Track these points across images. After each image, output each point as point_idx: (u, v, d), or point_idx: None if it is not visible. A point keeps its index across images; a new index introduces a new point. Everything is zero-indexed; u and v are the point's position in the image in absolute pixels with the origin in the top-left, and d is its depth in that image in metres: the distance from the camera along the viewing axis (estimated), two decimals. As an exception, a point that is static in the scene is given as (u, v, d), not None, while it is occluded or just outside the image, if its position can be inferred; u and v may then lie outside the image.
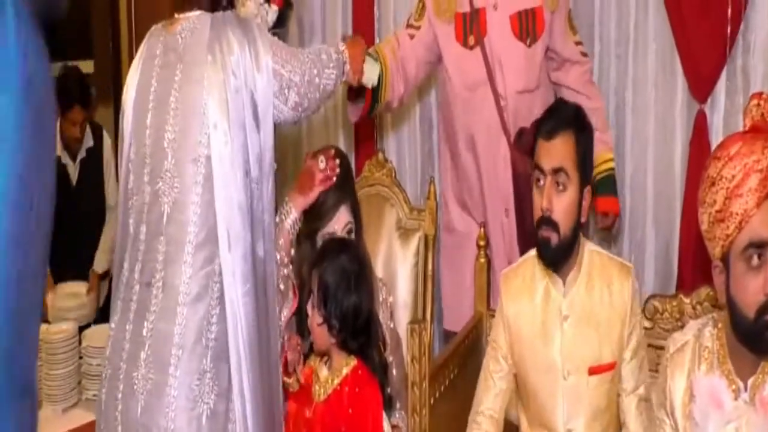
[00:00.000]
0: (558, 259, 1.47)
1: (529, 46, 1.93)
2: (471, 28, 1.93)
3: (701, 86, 2.00)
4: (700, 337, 1.30)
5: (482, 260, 1.85)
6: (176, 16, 1.43)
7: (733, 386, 1.23)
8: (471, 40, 1.93)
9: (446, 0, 1.98)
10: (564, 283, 1.49)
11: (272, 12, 1.66)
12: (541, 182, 1.45)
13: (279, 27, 1.79)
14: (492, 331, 1.63)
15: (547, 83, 2.00)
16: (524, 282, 1.55)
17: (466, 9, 1.94)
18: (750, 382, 1.22)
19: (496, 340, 1.59)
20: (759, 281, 1.16)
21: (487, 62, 1.91)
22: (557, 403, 1.48)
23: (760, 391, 1.21)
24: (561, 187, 1.43)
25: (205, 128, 1.30)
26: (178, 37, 1.39)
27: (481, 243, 1.85)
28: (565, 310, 1.49)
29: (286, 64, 1.39)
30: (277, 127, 1.39)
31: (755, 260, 1.16)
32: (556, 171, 1.44)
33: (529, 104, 1.93)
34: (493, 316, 1.68)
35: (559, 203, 1.43)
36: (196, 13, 1.41)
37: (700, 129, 2.01)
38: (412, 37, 2.01)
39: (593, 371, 1.46)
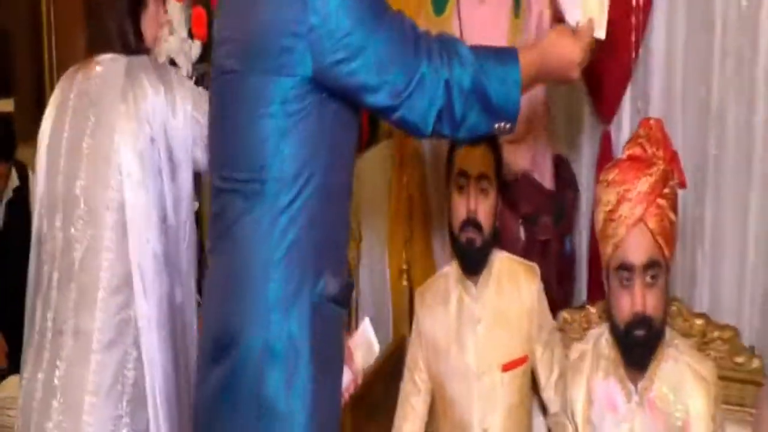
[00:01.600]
0: (480, 261, 1.56)
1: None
2: None
3: (606, 107, 2.13)
4: (597, 345, 1.41)
5: (404, 283, 1.93)
6: (91, 58, 1.43)
7: (626, 390, 1.34)
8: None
9: (440, 30, 2.02)
10: (476, 289, 1.59)
11: (195, 47, 1.70)
12: (465, 188, 1.54)
13: (203, 62, 1.81)
14: (408, 353, 1.70)
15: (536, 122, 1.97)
16: (438, 294, 1.64)
17: None
18: (639, 385, 1.34)
19: (413, 361, 1.66)
20: (629, 300, 1.29)
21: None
22: (473, 404, 1.55)
23: (648, 393, 1.33)
24: (484, 193, 1.54)
25: (118, 176, 1.32)
26: (92, 82, 1.40)
27: (404, 267, 1.94)
28: (477, 314, 1.58)
29: (207, 112, 1.32)
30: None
31: (625, 281, 1.30)
32: (481, 177, 1.54)
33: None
34: None
35: (483, 207, 1.53)
36: (110, 55, 1.41)
37: (605, 149, 2.14)
38: None
39: (506, 368, 1.55)
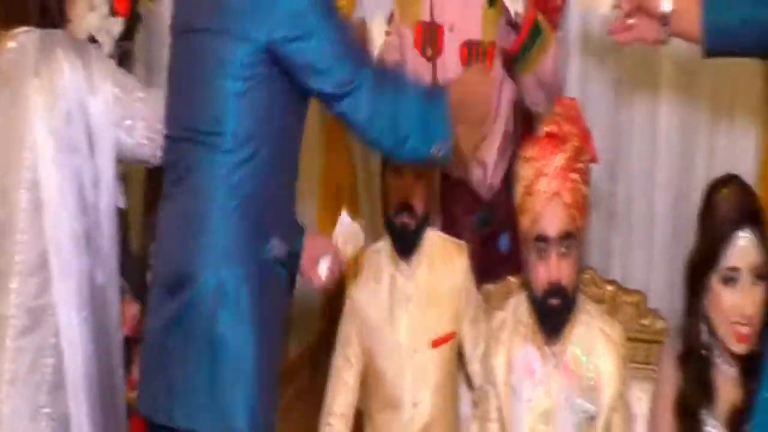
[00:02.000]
0: (413, 243, 1.62)
1: None
2: (429, 40, 1.93)
3: None
4: (516, 313, 1.50)
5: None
6: (5, 32, 1.38)
7: (542, 354, 1.44)
8: (428, 52, 1.93)
9: (410, 6, 1.98)
10: (409, 268, 1.64)
11: (117, 24, 1.64)
12: (401, 173, 1.58)
13: (126, 39, 1.75)
14: (341, 328, 1.74)
15: (506, 116, 1.96)
16: (370, 272, 1.68)
17: (427, 19, 1.95)
18: (555, 349, 1.44)
19: (346, 336, 1.70)
20: (545, 270, 1.38)
21: (435, 82, 1.91)
22: (404, 381, 1.62)
23: (563, 356, 1.43)
24: (418, 179, 1.59)
25: (31, 154, 1.28)
26: (3, 59, 1.35)
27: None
28: (410, 292, 1.63)
29: (131, 93, 1.37)
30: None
31: (542, 252, 1.38)
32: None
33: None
34: None
35: (417, 193, 1.59)
36: (24, 29, 1.37)
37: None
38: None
39: (435, 344, 1.62)
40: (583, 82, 2.13)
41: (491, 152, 1.90)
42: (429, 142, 1.26)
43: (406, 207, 1.59)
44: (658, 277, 2.11)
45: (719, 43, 1.27)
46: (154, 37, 2.43)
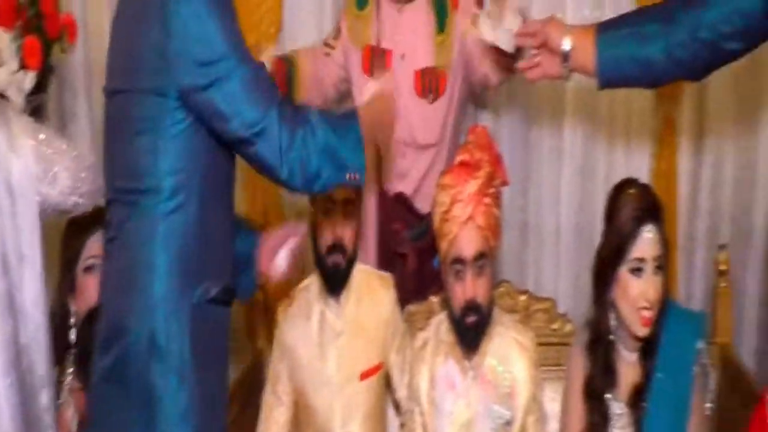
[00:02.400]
0: (344, 280, 1.67)
1: (431, 102, 1.95)
2: (377, 65, 1.95)
3: None
4: (438, 332, 1.60)
5: (262, 299, 1.99)
6: None
7: (462, 368, 1.54)
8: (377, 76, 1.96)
9: (359, 28, 2.00)
10: (337, 304, 1.69)
11: (29, 78, 1.60)
12: (331, 212, 1.63)
13: (39, 93, 1.70)
14: (271, 365, 1.76)
15: (453, 138, 2.02)
16: (300, 309, 1.72)
17: (375, 44, 1.97)
18: (473, 362, 1.54)
19: (275, 373, 1.73)
20: (461, 289, 1.49)
21: None
22: (335, 413, 1.66)
23: (480, 368, 1.54)
24: (349, 217, 1.64)
25: None
26: None
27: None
28: (339, 328, 1.68)
29: (51, 144, 1.34)
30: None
31: (459, 273, 1.49)
32: (347, 202, 1.64)
33: (432, 156, 1.98)
34: None
35: (348, 231, 1.64)
36: None
37: None
38: (327, 54, 2.01)
39: (363, 376, 1.67)
40: (495, 108, 2.27)
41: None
42: (342, 172, 1.29)
43: (337, 247, 1.63)
44: (566, 282, 2.29)
45: (611, 76, 1.42)
46: (67, 87, 2.38)
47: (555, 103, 2.24)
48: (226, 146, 1.29)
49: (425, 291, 1.85)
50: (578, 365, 1.53)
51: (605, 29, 1.41)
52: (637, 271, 1.42)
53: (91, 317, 1.47)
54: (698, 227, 2.26)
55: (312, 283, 1.73)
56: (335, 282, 1.67)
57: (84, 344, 1.46)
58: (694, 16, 1.29)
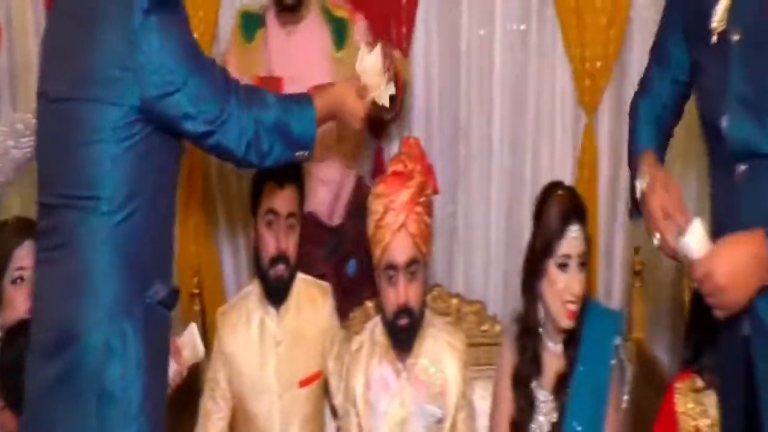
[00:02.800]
0: (286, 291, 1.71)
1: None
2: None
3: (376, 126, 2.24)
4: (373, 335, 1.65)
5: (196, 307, 2.00)
6: None
7: (396, 370, 1.60)
8: None
9: (247, 61, 2.01)
10: (278, 313, 1.72)
11: None
12: (274, 224, 1.67)
13: None
14: (209, 371, 1.77)
15: (357, 152, 2.07)
16: (240, 317, 1.73)
17: (265, 74, 1.98)
18: (407, 363, 1.61)
19: (214, 379, 1.74)
20: (394, 294, 1.55)
21: None
22: (274, 419, 1.69)
23: (413, 369, 1.61)
24: (292, 229, 1.69)
25: None
26: None
27: (195, 291, 1.99)
28: (279, 337, 1.71)
29: None
30: None
31: (392, 278, 1.55)
32: (290, 215, 1.68)
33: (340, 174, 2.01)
34: (209, 360, 1.81)
35: (291, 243, 1.68)
36: None
37: (378, 163, 2.29)
38: None
39: (303, 384, 1.71)
40: (427, 119, 2.35)
41: (345, 190, 2.02)
42: (292, 149, 1.37)
43: (281, 258, 1.67)
44: (495, 284, 2.39)
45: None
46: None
47: (483, 113, 2.34)
48: (175, 152, 1.33)
49: (342, 299, 1.88)
50: (507, 355, 1.62)
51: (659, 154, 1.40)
52: (563, 266, 1.52)
53: (17, 330, 1.43)
54: (617, 230, 2.41)
55: (252, 291, 1.75)
56: (278, 293, 1.70)
57: (9, 359, 1.41)
58: (666, 105, 1.39)
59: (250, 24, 2.04)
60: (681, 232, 1.16)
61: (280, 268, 1.68)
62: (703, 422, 1.55)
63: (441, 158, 2.31)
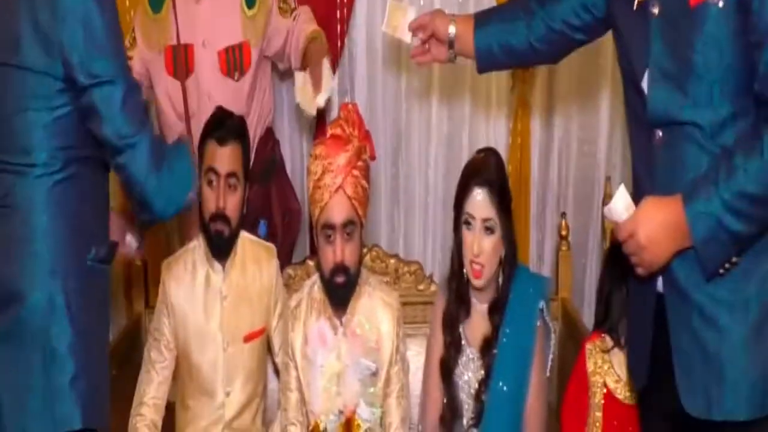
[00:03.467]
0: (228, 248, 1.73)
1: (237, 80, 2.00)
2: (180, 62, 1.95)
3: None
4: (311, 292, 1.71)
5: (138, 263, 2.02)
6: None
7: (333, 325, 1.67)
8: (180, 74, 1.96)
9: (156, 32, 1.99)
10: (223, 269, 1.75)
11: None
12: (214, 183, 1.68)
13: None
14: (154, 321, 1.79)
15: (260, 110, 2.08)
16: (186, 269, 1.76)
17: (174, 42, 1.97)
18: (343, 320, 1.68)
19: (159, 329, 1.76)
20: (331, 252, 1.60)
21: (186, 100, 1.96)
22: (218, 371, 1.74)
23: (350, 325, 1.68)
24: (232, 188, 1.70)
25: None
26: None
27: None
28: (224, 291, 1.74)
29: None
30: None
31: (330, 237, 1.60)
32: (230, 175, 1.69)
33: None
34: (151, 312, 1.85)
35: (231, 202, 1.70)
36: None
37: (320, 127, 2.29)
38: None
39: (247, 339, 1.75)
40: (370, 87, 2.39)
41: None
42: (185, 196, 1.40)
43: (220, 216, 1.69)
44: (433, 245, 2.49)
45: (486, 63, 1.62)
46: None
47: (423, 81, 2.39)
48: None
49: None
50: (440, 303, 1.71)
51: (481, 22, 1.59)
52: (467, 224, 1.60)
53: None
54: (548, 196, 2.53)
55: (198, 245, 1.78)
56: (219, 249, 1.74)
57: None
58: (549, 10, 1.49)
59: None
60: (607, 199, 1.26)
61: (220, 224, 1.70)
62: (610, 379, 1.69)
63: (383, 123, 2.36)
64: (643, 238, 1.17)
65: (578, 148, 2.52)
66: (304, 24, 2.09)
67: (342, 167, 1.60)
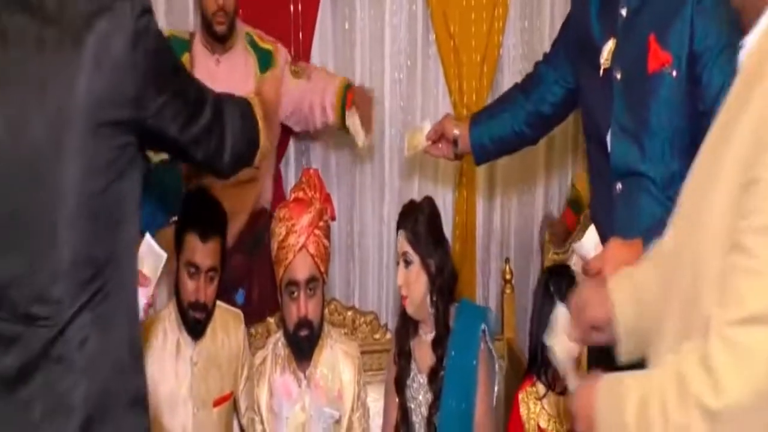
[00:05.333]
0: (204, 329, 1.78)
1: None
2: None
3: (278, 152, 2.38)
4: (275, 348, 1.81)
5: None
6: None
7: (297, 378, 1.77)
8: None
9: None
10: (193, 337, 1.79)
11: None
12: (195, 276, 1.73)
13: None
14: None
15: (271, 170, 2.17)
16: (156, 335, 1.80)
17: None
18: (307, 372, 1.78)
19: None
20: (295, 308, 1.72)
21: None
22: None
23: (313, 377, 1.78)
24: (211, 280, 1.75)
25: None
26: None
27: None
28: (194, 358, 1.79)
29: None
30: None
31: (294, 294, 1.72)
32: (210, 269, 1.73)
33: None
34: None
35: (209, 291, 1.75)
36: None
37: (277, 189, 2.38)
38: None
39: (216, 403, 1.80)
40: (325, 150, 2.55)
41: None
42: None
43: (199, 305, 1.74)
44: (388, 295, 2.62)
45: (481, 156, 1.84)
46: None
47: (375, 142, 2.54)
48: None
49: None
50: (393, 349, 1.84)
51: (475, 121, 1.80)
52: (402, 261, 1.74)
53: None
54: (492, 243, 2.72)
55: (169, 313, 1.82)
56: (196, 331, 1.78)
57: None
58: (530, 94, 1.71)
59: (177, 48, 2.07)
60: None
61: (198, 313, 1.76)
62: (543, 420, 1.83)
63: (338, 185, 2.52)
64: (611, 272, 1.25)
65: (518, 198, 2.73)
66: (328, 77, 2.18)
67: (305, 227, 1.73)
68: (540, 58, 1.77)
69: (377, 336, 2.19)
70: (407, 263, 1.74)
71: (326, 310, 2.07)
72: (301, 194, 1.78)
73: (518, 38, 2.59)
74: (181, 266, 1.75)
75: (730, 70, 0.97)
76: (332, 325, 2.02)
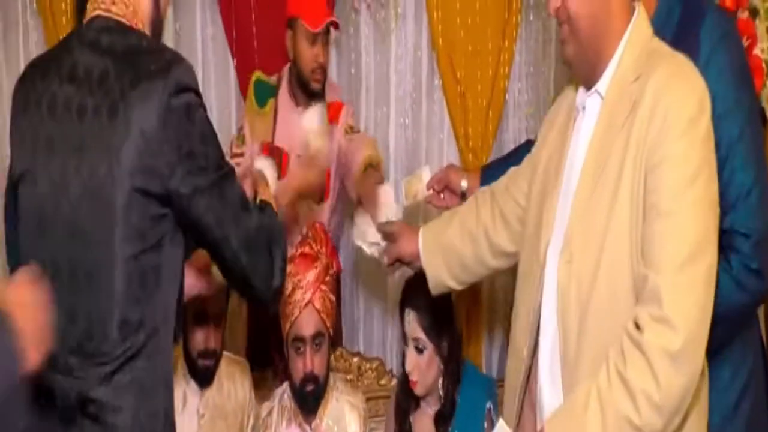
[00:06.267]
0: (212, 378, 1.81)
1: (318, 203, 2.11)
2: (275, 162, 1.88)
3: None
4: (281, 400, 1.83)
5: None
6: None
7: (303, 430, 1.79)
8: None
9: (260, 125, 2.08)
10: (199, 387, 1.81)
11: None
12: (203, 322, 1.74)
13: None
14: None
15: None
16: None
17: (270, 140, 2.05)
18: (313, 424, 1.80)
19: None
20: (301, 363, 1.74)
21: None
22: None
23: (320, 429, 1.79)
24: (219, 327, 1.78)
25: None
26: None
27: None
28: (201, 410, 1.81)
29: None
30: None
31: (300, 350, 1.74)
32: (216, 315, 1.76)
33: None
34: None
35: (216, 338, 1.78)
36: None
37: None
38: (237, 165, 1.97)
39: None
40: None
41: None
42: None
43: (209, 353, 1.78)
44: (392, 342, 2.63)
45: None
46: None
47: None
48: None
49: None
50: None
51: (486, 174, 1.75)
52: (413, 347, 1.74)
53: None
54: (498, 291, 2.69)
55: (175, 364, 1.81)
56: (204, 379, 1.81)
57: None
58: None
59: (263, 91, 2.15)
60: None
61: (207, 361, 1.79)
62: None
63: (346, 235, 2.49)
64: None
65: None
66: (361, 146, 2.02)
67: (311, 283, 1.75)
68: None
69: (383, 382, 2.20)
70: (419, 350, 1.74)
71: (332, 357, 2.09)
72: (307, 249, 1.80)
73: (524, 83, 2.60)
74: (188, 316, 1.78)
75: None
76: (338, 371, 2.04)
